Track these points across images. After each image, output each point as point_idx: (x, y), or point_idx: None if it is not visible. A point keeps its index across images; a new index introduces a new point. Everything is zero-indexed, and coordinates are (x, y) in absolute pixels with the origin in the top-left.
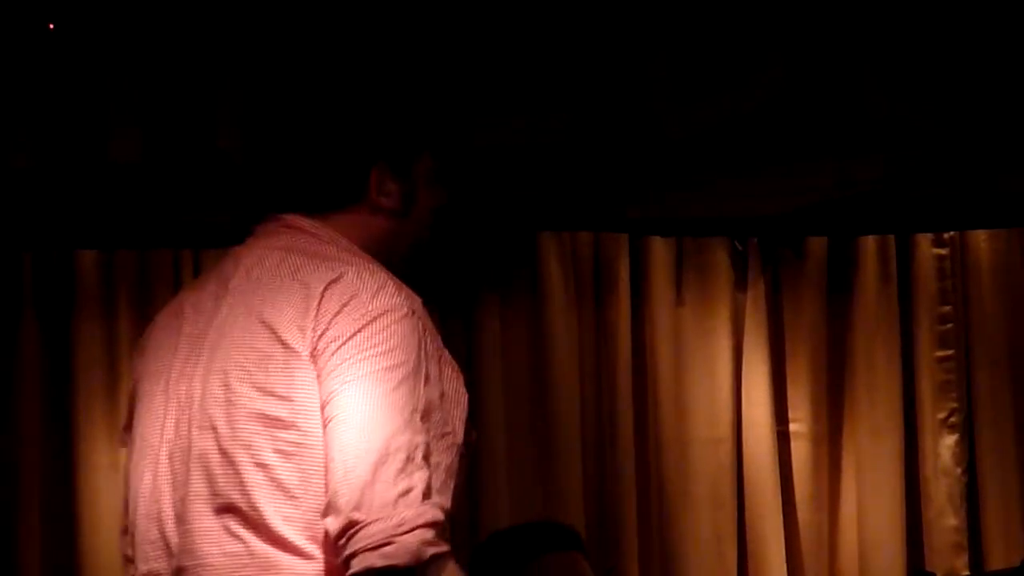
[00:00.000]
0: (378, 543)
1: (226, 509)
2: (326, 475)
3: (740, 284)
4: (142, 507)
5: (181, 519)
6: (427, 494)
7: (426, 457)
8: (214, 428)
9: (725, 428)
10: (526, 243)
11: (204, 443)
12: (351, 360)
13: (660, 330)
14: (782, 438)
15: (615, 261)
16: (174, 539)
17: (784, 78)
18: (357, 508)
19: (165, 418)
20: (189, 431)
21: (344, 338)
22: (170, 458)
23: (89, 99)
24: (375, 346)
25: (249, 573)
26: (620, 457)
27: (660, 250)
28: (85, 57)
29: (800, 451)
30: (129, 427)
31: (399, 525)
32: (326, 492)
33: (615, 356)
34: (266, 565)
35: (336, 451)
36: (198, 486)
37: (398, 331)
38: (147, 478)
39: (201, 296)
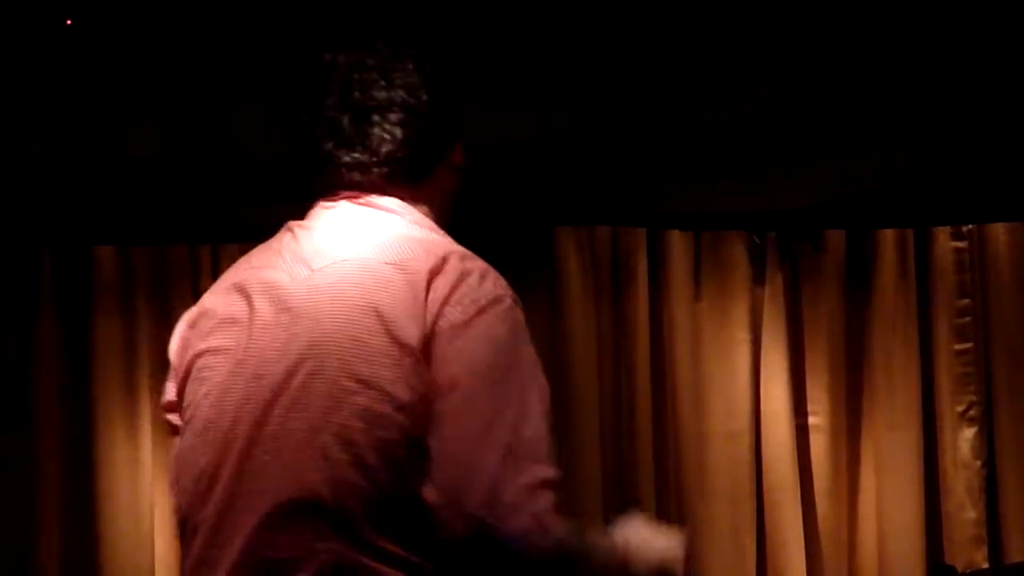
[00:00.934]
0: (512, 541)
1: (316, 509)
2: (438, 473)
3: (758, 278)
4: (208, 494)
5: (261, 513)
6: (549, 484)
7: (549, 448)
8: (311, 421)
9: (743, 422)
10: (544, 238)
11: (299, 436)
12: (469, 349)
13: (678, 324)
14: (800, 431)
15: (633, 255)
16: (246, 531)
17: (783, 78)
18: (487, 506)
19: (244, 403)
20: (272, 420)
21: (458, 325)
22: (249, 446)
23: (106, 94)
24: (491, 330)
25: None
26: (638, 451)
27: (678, 244)
28: (102, 53)
29: (818, 444)
30: (175, 406)
31: (532, 526)
32: (440, 493)
33: (633, 350)
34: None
35: (455, 442)
36: (285, 481)
37: (511, 318)
38: (216, 464)
39: (274, 274)
